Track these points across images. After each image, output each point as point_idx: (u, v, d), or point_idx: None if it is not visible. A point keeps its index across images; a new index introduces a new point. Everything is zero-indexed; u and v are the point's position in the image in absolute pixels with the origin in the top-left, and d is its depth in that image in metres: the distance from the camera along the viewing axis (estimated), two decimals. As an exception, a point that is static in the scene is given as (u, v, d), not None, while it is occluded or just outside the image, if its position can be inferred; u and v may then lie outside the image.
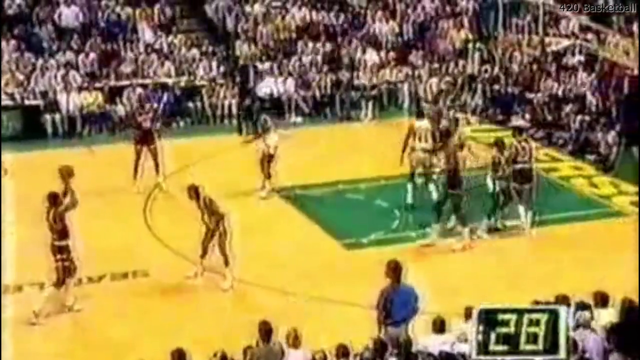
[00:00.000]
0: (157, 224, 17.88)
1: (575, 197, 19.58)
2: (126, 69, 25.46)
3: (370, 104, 25.65)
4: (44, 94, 24.48)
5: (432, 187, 18.14)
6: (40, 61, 25.07)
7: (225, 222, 15.15)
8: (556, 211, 18.12)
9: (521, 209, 17.19)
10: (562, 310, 8.70)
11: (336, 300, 14.49)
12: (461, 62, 27.19)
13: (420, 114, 19.27)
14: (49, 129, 24.12)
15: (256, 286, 15.24)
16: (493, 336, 8.56)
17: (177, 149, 20.99)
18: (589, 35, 25.93)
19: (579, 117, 22.90)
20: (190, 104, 25.37)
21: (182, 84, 25.59)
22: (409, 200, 18.55)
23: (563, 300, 10.59)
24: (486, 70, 26.55)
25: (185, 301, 14.93)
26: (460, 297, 12.83)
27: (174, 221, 17.51)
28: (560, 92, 24.35)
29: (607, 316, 10.94)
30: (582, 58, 25.42)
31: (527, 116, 23.92)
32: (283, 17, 27.77)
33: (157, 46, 26.41)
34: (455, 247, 16.67)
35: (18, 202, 17.64)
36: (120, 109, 24.50)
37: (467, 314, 10.20)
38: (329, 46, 27.20)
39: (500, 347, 8.54)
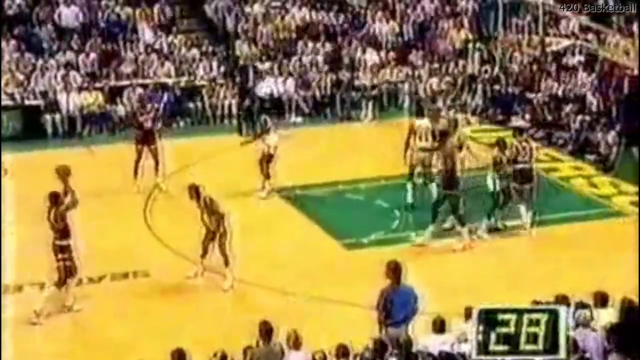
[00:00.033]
0: (157, 224, 17.87)
1: (575, 197, 19.57)
2: (126, 69, 25.44)
3: (370, 104, 25.63)
4: (44, 94, 24.47)
5: (432, 186, 18.13)
6: (40, 61, 25.07)
7: (226, 222, 15.15)
8: (556, 211, 18.12)
9: (522, 209, 17.20)
10: (562, 310, 8.71)
11: (336, 300, 14.48)
12: (461, 62, 27.17)
13: (420, 113, 19.28)
14: (49, 129, 24.13)
15: (256, 286, 15.24)
16: (493, 336, 8.56)
17: (177, 149, 20.99)
18: (589, 35, 25.90)
19: (579, 117, 22.88)
20: (191, 104, 25.37)
21: (182, 84, 25.57)
22: (409, 200, 18.55)
23: (563, 300, 10.60)
24: (486, 71, 26.53)
25: (186, 301, 14.92)
26: (460, 297, 12.79)
27: (174, 221, 17.52)
28: (560, 92, 24.33)
29: (607, 316, 10.93)
30: (582, 58, 25.37)
31: (527, 116, 23.90)
32: (283, 17, 27.74)
33: (157, 46, 26.39)
34: (455, 247, 16.67)
35: (18, 202, 17.67)
36: (121, 109, 24.51)
37: (467, 314, 10.21)
38: (329, 46, 27.18)
39: (500, 347, 8.55)
